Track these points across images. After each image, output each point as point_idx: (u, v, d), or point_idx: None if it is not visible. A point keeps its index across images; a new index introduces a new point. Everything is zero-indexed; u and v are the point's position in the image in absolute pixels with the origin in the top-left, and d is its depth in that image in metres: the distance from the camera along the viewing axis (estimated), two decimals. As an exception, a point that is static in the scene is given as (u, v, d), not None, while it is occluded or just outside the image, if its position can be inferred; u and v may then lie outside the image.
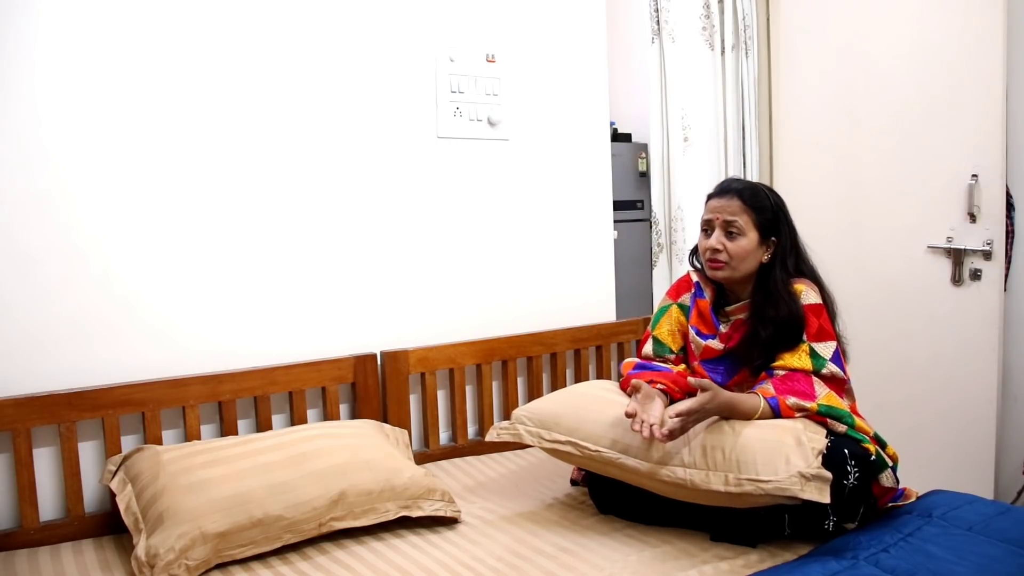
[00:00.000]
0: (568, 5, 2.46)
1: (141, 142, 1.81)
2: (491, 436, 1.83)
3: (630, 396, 1.72)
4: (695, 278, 1.89)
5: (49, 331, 1.72)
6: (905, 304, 2.67)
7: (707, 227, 1.78)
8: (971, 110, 2.43)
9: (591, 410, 1.74)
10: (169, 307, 1.86)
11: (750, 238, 1.73)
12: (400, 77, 2.16)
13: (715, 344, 1.79)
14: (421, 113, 2.20)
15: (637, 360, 1.87)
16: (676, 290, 1.92)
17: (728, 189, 1.78)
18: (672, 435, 1.54)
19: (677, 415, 1.53)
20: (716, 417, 1.60)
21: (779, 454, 1.48)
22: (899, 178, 2.66)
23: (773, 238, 1.76)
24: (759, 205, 1.75)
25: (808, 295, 1.72)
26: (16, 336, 1.68)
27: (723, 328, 1.80)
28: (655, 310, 1.95)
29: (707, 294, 1.85)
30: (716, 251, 1.74)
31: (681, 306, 1.88)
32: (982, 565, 1.38)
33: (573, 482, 1.93)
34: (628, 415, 1.58)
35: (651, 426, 1.55)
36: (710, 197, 1.81)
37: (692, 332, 1.84)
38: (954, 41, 2.47)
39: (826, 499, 1.43)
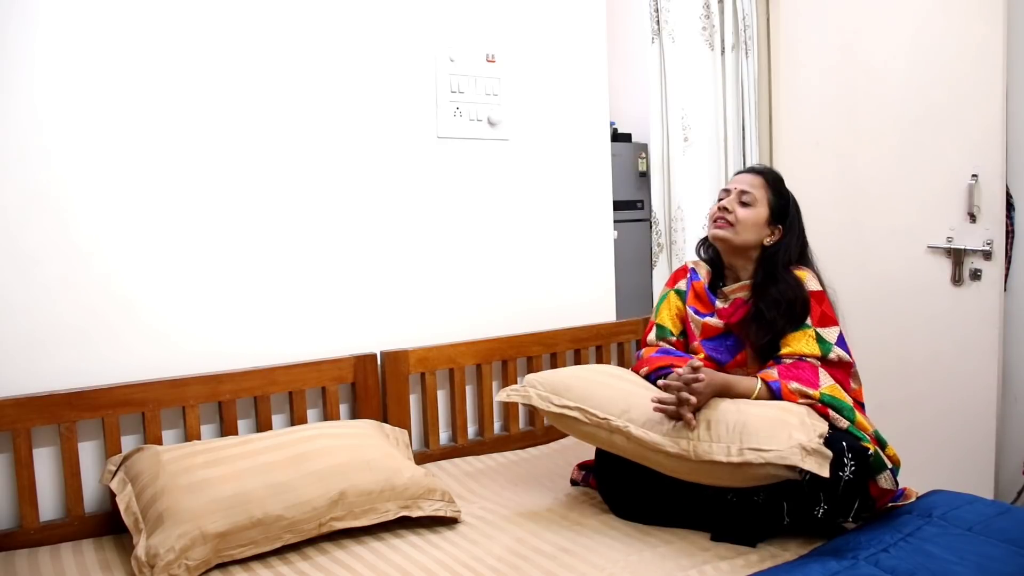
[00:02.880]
0: (568, 5, 2.46)
1: (141, 142, 1.81)
2: (500, 397, 1.86)
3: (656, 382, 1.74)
4: (691, 265, 1.95)
5: (49, 331, 1.72)
6: (905, 304, 2.67)
7: (724, 195, 1.86)
8: (971, 110, 2.43)
9: (601, 383, 1.77)
10: (169, 307, 1.86)
11: (759, 211, 1.81)
12: (400, 77, 2.16)
13: (714, 321, 1.82)
14: (421, 113, 2.20)
15: (661, 344, 1.91)
16: (673, 279, 1.99)
17: (755, 168, 1.91)
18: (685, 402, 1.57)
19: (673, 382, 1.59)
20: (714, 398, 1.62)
21: (782, 429, 1.50)
22: (899, 178, 2.66)
23: (780, 225, 1.83)
24: (778, 189, 1.86)
25: (811, 281, 1.77)
26: (16, 336, 1.68)
27: (720, 305, 1.83)
28: (656, 301, 2.02)
29: (702, 276, 1.91)
30: (725, 210, 1.82)
31: (678, 291, 1.95)
32: (982, 565, 1.38)
33: (573, 482, 1.93)
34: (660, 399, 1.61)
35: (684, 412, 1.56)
36: (736, 174, 1.92)
37: (690, 312, 1.88)
38: (954, 41, 2.47)
39: (825, 473, 1.44)
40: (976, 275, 2.47)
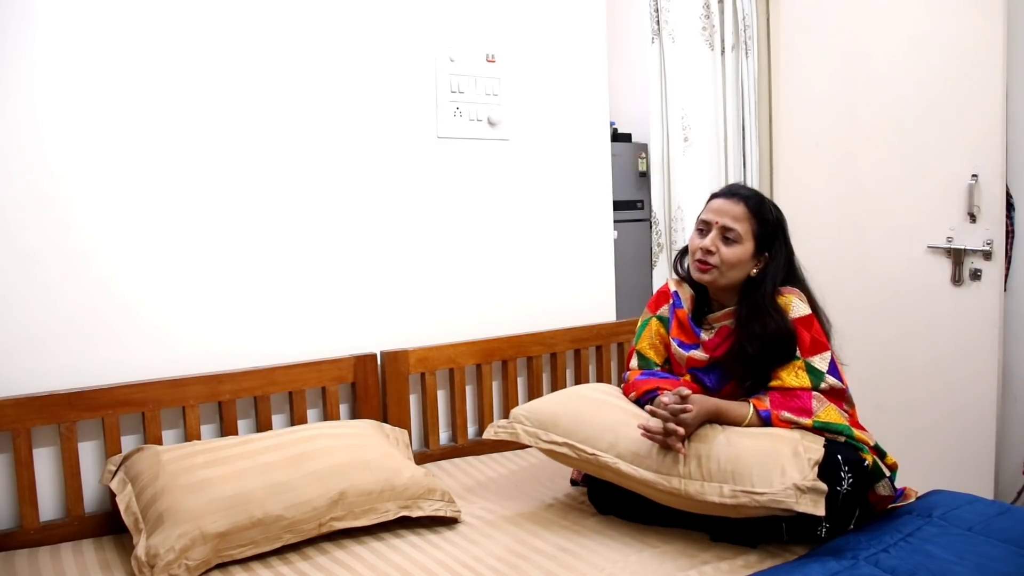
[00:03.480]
0: (568, 5, 2.46)
1: (141, 143, 1.81)
2: (488, 434, 1.83)
3: (643, 406, 1.71)
4: (673, 288, 1.87)
5: (49, 331, 1.72)
6: (905, 304, 2.66)
7: (704, 227, 1.74)
8: (971, 110, 2.43)
9: (590, 412, 1.73)
10: (169, 307, 1.85)
11: (745, 247, 1.70)
12: (400, 77, 2.16)
13: (699, 354, 1.76)
14: (421, 113, 2.20)
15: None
16: (655, 302, 1.91)
17: (735, 193, 1.75)
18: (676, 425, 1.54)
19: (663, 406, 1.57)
20: (705, 424, 1.59)
21: (774, 465, 1.47)
22: (899, 178, 2.66)
23: (766, 253, 1.73)
24: (762, 216, 1.72)
25: (797, 307, 1.68)
26: (16, 336, 1.68)
27: (705, 336, 1.77)
28: (638, 324, 1.94)
29: (685, 304, 1.82)
30: (708, 252, 1.70)
31: (660, 318, 1.88)
32: (982, 565, 1.38)
33: (573, 482, 1.93)
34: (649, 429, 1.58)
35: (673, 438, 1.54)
36: (714, 197, 1.78)
37: (674, 344, 1.82)
38: (954, 41, 2.47)
39: (821, 512, 1.43)
40: (976, 275, 2.47)
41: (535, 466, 2.11)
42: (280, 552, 1.57)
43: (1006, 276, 2.48)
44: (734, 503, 1.47)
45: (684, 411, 1.54)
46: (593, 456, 1.64)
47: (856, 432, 1.59)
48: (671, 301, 1.86)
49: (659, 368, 1.85)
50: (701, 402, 1.58)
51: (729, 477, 1.49)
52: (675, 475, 1.54)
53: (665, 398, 1.59)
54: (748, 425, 1.60)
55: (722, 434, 1.57)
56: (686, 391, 1.58)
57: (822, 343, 1.67)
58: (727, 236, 1.70)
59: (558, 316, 2.46)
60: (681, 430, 1.53)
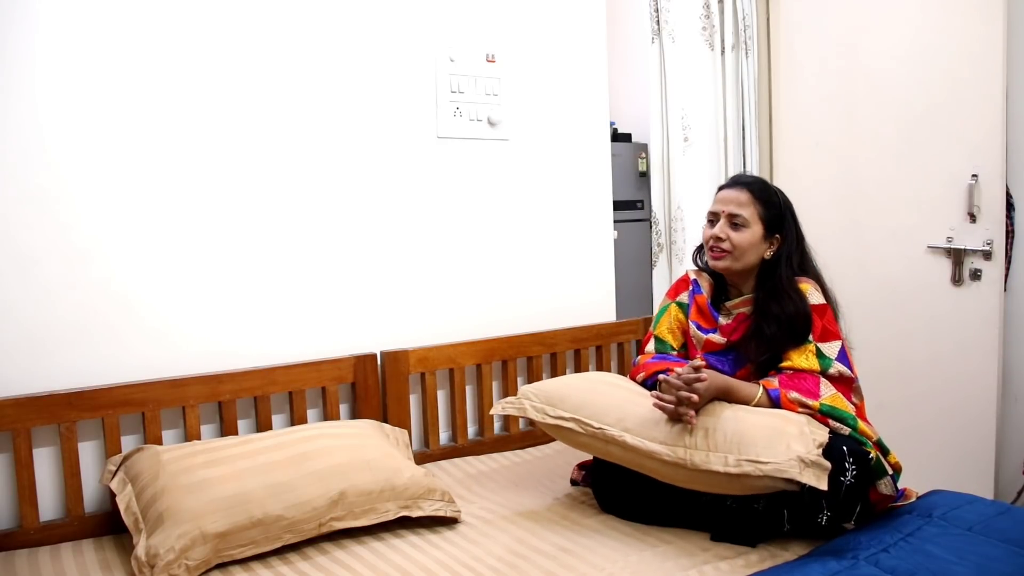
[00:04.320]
0: (568, 5, 2.46)
1: (141, 142, 1.81)
2: (496, 410, 1.86)
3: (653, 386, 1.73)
4: (693, 276, 1.92)
5: (49, 331, 1.72)
6: (905, 304, 2.67)
7: (713, 217, 1.81)
8: (971, 110, 2.43)
9: (597, 392, 1.76)
10: (169, 307, 1.86)
11: (754, 231, 1.76)
12: (400, 77, 2.16)
13: (716, 338, 1.80)
14: (421, 113, 2.20)
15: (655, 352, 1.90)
16: (675, 290, 1.95)
17: (738, 181, 1.83)
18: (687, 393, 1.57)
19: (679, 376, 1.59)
20: (714, 400, 1.61)
21: (780, 440, 1.49)
22: (899, 178, 2.66)
23: (777, 235, 1.78)
24: (767, 200, 1.78)
25: (812, 295, 1.73)
26: (16, 336, 1.68)
27: (723, 321, 1.81)
28: (656, 311, 1.98)
29: (705, 289, 1.87)
30: (719, 239, 1.76)
31: (679, 304, 1.91)
32: (982, 565, 1.38)
33: (573, 482, 1.93)
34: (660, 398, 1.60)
35: (684, 410, 1.56)
36: (720, 189, 1.85)
37: (692, 327, 1.85)
38: (954, 41, 2.47)
39: (823, 486, 1.44)
40: (976, 275, 2.47)
41: (535, 466, 2.11)
42: (280, 552, 1.57)
43: (1006, 276, 2.48)
44: (738, 471, 1.48)
45: (698, 380, 1.57)
46: (599, 430, 1.65)
47: (861, 424, 1.62)
48: (690, 288, 1.91)
49: (675, 353, 1.88)
50: (713, 376, 1.62)
51: (735, 448, 1.51)
52: (680, 445, 1.55)
53: (678, 370, 1.62)
54: (757, 405, 1.63)
55: (729, 410, 1.59)
56: (699, 362, 1.61)
57: (833, 332, 1.71)
58: (735, 222, 1.76)
59: (558, 316, 2.46)
60: (695, 397, 1.55)
